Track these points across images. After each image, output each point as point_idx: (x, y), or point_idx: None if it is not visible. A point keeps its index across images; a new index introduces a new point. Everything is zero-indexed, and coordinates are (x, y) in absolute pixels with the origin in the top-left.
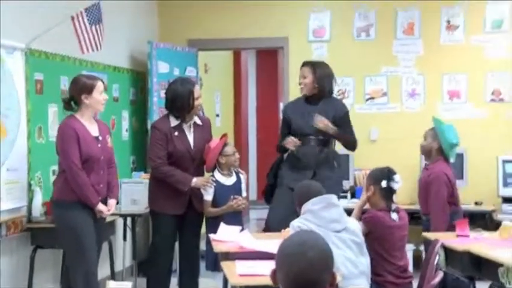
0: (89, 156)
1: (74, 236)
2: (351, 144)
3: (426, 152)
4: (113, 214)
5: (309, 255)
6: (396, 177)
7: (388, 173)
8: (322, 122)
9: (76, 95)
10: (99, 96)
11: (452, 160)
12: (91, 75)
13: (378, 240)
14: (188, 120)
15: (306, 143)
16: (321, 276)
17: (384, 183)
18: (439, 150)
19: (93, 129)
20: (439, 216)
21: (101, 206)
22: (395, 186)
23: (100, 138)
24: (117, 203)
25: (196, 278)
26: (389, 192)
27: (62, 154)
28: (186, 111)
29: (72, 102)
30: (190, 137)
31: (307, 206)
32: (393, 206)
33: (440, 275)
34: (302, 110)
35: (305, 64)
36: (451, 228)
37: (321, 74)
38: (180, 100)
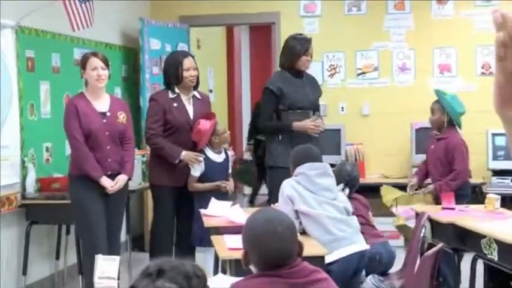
0: (90, 130)
1: (80, 209)
2: None
3: (437, 125)
4: None
5: (279, 230)
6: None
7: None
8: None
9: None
10: (90, 71)
11: (460, 129)
12: (93, 51)
13: None
14: (185, 93)
15: (300, 117)
16: (292, 248)
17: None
18: (449, 122)
19: (101, 105)
20: (465, 179)
21: (104, 181)
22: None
23: (108, 114)
24: (129, 179)
25: (194, 250)
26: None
27: (64, 129)
28: (176, 82)
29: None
30: (190, 109)
31: (302, 169)
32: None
33: (438, 247)
34: (294, 83)
35: (310, 42)
36: (459, 198)
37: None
38: (170, 71)
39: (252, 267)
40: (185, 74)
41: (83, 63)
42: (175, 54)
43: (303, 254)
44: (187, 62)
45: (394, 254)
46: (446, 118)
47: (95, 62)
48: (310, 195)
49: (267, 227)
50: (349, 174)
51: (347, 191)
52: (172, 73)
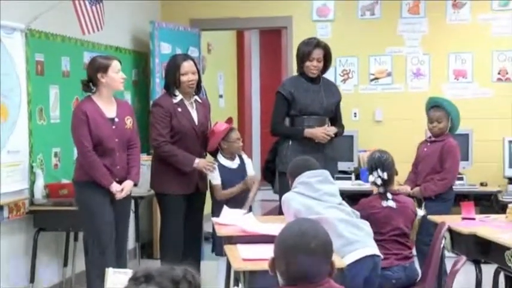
0: (100, 138)
1: (87, 215)
2: (341, 135)
3: (443, 132)
4: None
5: (312, 246)
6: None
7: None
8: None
9: (92, 74)
10: (115, 74)
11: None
12: (107, 55)
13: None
14: (187, 97)
15: (314, 123)
16: (322, 266)
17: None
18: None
19: (110, 111)
20: (453, 179)
21: (114, 188)
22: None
23: (116, 119)
24: (135, 185)
25: (199, 259)
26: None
27: (72, 136)
28: (174, 86)
29: (90, 84)
30: (194, 113)
31: (301, 178)
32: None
33: (463, 260)
34: (306, 88)
35: (319, 46)
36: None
37: (330, 58)
38: (169, 75)
39: (278, 276)
40: (182, 78)
41: (105, 66)
42: (175, 57)
43: (333, 273)
44: (186, 66)
45: (415, 277)
46: (450, 124)
47: (118, 65)
48: (315, 203)
49: (300, 239)
50: (380, 157)
51: (379, 172)
52: (171, 77)
